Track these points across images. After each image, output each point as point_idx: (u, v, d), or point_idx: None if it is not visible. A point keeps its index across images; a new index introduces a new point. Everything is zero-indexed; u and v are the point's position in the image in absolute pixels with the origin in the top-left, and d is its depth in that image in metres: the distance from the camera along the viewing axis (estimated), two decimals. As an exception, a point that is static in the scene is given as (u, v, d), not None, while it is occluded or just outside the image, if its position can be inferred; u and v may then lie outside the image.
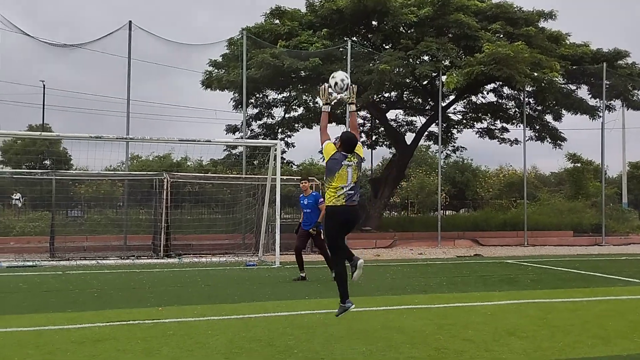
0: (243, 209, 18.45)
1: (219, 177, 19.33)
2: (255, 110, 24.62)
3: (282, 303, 8.39)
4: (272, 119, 25.45)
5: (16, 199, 23.35)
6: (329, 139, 6.24)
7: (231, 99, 23.13)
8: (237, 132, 23.91)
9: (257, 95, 23.97)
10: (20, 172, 21.84)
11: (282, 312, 7.78)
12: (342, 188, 5.97)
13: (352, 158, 6.04)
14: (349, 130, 6.88)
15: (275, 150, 14.06)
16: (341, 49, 20.15)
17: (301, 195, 11.41)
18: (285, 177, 17.20)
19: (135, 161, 38.95)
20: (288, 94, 24.81)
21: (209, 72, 22.33)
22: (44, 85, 41.25)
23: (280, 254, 14.10)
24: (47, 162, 42.75)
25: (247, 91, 19.88)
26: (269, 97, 24.67)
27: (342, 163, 5.98)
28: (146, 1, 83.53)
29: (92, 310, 7.80)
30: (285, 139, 25.31)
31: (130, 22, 17.23)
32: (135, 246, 16.97)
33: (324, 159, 6.59)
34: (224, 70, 22.51)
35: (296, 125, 26.19)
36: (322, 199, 10.62)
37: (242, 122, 21.32)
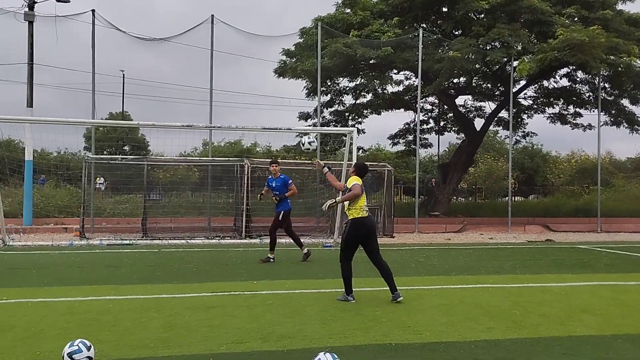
0: (316, 194, 19.24)
1: (294, 164, 20.13)
2: (327, 98, 25.26)
3: (364, 280, 9.06)
4: (343, 106, 26.03)
5: (100, 183, 25.06)
6: (350, 181, 7.59)
7: (304, 87, 23.86)
8: (309, 119, 24.66)
9: (329, 83, 24.60)
10: (114, 158, 23.25)
11: (366, 287, 8.45)
12: (365, 205, 7.52)
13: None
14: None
15: (352, 137, 14.65)
16: (412, 41, 20.46)
17: (269, 177, 11.72)
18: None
19: (206, 147, 40.65)
20: (358, 81, 25.34)
21: (283, 61, 23.10)
22: (123, 75, 43.35)
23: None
24: (126, 148, 45.11)
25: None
26: (340, 85, 25.25)
27: (362, 187, 7.53)
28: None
29: (196, 283, 8.73)
30: (356, 125, 25.87)
31: (212, 16, 18.23)
32: (218, 227, 18.03)
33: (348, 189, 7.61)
34: (295, 59, 23.26)
35: (365, 111, 26.68)
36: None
37: (316, 110, 22.05)
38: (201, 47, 19.48)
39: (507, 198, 25.08)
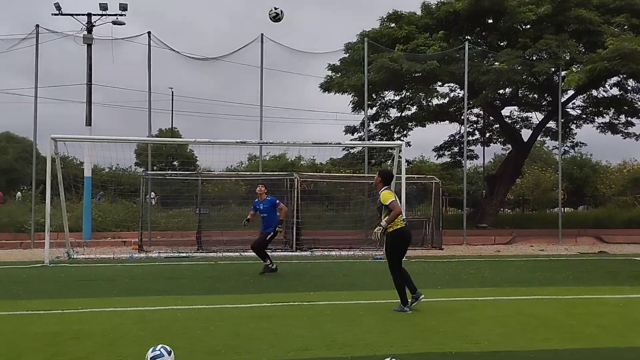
0: (365, 207, 19.48)
1: (343, 177, 20.43)
2: (373, 111, 25.54)
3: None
4: (388, 119, 26.27)
5: (151, 198, 25.88)
6: (385, 198, 7.65)
7: (350, 102, 24.21)
8: (355, 133, 24.99)
9: (374, 97, 24.89)
10: (169, 173, 23.91)
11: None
12: (401, 214, 7.79)
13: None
14: None
15: (400, 151, 14.87)
16: (457, 54, 20.58)
17: (256, 200, 11.70)
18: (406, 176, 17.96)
19: (252, 161, 41.39)
20: (403, 94, 25.55)
21: (330, 76, 23.52)
22: (172, 93, 44.60)
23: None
24: (175, 163, 46.29)
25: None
26: (385, 98, 25.51)
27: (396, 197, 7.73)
28: (257, 7, 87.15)
29: (254, 294, 9.08)
30: (401, 138, 26.04)
31: (262, 35, 18.81)
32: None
33: (385, 206, 7.69)
34: (339, 74, 23.66)
35: (409, 124, 26.84)
36: (278, 201, 11.53)
37: (364, 124, 22.39)
38: (250, 65, 20.10)
39: (556, 209, 24.75)
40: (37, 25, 18.97)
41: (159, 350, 4.93)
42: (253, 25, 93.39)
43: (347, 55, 23.38)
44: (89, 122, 20.51)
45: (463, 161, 25.20)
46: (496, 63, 20.80)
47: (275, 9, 10.50)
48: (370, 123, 26.06)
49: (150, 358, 4.87)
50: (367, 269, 12.61)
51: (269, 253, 11.92)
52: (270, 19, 10.56)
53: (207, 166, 29.52)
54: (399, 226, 7.66)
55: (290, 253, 16.10)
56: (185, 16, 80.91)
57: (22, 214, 21.16)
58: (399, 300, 7.67)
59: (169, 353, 4.94)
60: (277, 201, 11.53)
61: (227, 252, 15.81)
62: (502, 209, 29.60)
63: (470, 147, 27.69)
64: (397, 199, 7.81)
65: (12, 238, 19.71)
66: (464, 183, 21.99)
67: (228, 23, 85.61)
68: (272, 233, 11.48)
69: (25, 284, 10.20)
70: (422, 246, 18.45)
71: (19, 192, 40.39)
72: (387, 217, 7.57)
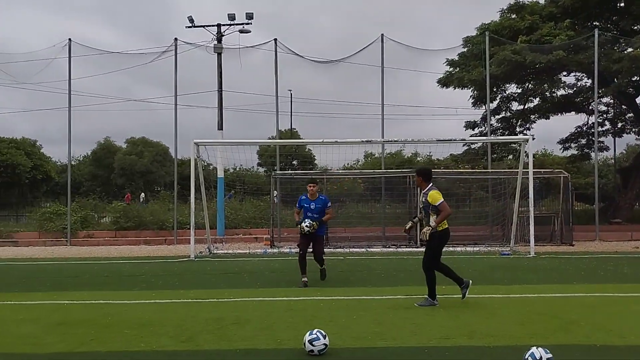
0: (487, 203, 19.27)
1: (465, 173, 20.31)
2: (494, 105, 25.05)
3: (553, 287, 9.18)
4: (510, 113, 25.62)
5: (274, 196, 27.05)
6: (434, 198, 7.58)
7: (470, 96, 23.92)
8: (475, 128, 24.65)
9: (495, 90, 24.40)
10: (296, 173, 24.83)
11: (554, 293, 8.61)
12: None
13: None
14: None
15: (527, 146, 14.62)
16: (585, 42, 19.71)
17: (303, 197, 9.90)
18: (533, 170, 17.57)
19: (369, 159, 41.88)
20: (525, 87, 24.82)
21: (449, 72, 23.39)
22: (291, 94, 46.17)
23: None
24: (295, 162, 47.87)
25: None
26: (506, 92, 24.92)
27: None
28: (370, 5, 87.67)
29: (388, 287, 9.49)
30: (524, 131, 25.32)
31: (382, 35, 19.19)
32: (391, 236, 18.77)
33: (433, 206, 7.62)
34: (458, 69, 23.43)
35: (532, 116, 25.99)
36: (330, 204, 9.96)
37: (484, 118, 22.07)
38: (367, 64, 20.53)
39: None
40: (176, 39, 20.64)
41: (316, 334, 5.46)
42: (365, 24, 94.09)
43: (466, 49, 23.14)
44: (220, 127, 21.90)
45: (592, 153, 24.01)
46: (629, 49, 19.67)
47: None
48: (492, 117, 25.59)
49: (308, 340, 5.42)
50: (495, 264, 12.59)
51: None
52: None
53: (324, 165, 30.44)
54: (446, 226, 7.72)
55: (415, 249, 16.33)
56: (301, 17, 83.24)
57: (163, 213, 23.04)
58: (534, 296, 7.73)
59: (324, 337, 5.46)
60: (329, 203, 10.01)
61: (354, 248, 16.34)
62: (637, 204, 27.84)
63: (600, 139, 26.31)
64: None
65: (155, 235, 21.57)
66: (596, 176, 20.99)
67: (343, 22, 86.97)
68: (323, 236, 10.28)
69: (179, 275, 11.31)
70: (551, 242, 17.96)
71: (142, 194, 43.84)
72: (437, 218, 7.53)
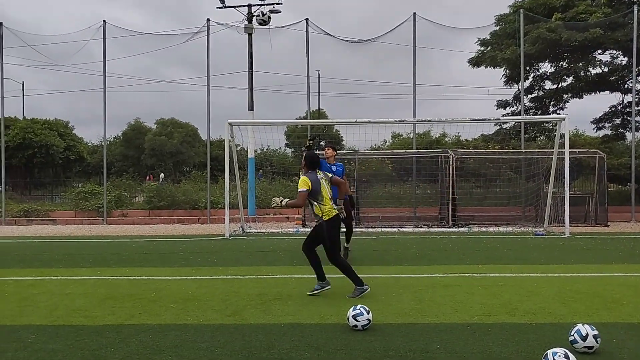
0: (518, 183, 19.10)
1: (498, 153, 20.13)
2: (526, 84, 24.68)
3: (591, 266, 9.13)
4: (543, 92, 25.22)
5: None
6: (299, 185, 7.02)
7: (503, 75, 23.61)
8: (507, 107, 24.35)
9: (528, 69, 24.02)
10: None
11: (593, 273, 8.56)
12: (331, 203, 7.07)
13: (319, 172, 7.14)
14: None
15: (562, 125, 14.42)
16: (623, 19, 19.23)
17: (322, 160, 9.39)
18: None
19: (396, 139, 41.68)
20: (559, 65, 24.38)
21: (481, 51, 23.09)
22: (318, 75, 46.08)
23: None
24: (322, 143, 47.88)
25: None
26: (540, 70, 24.52)
27: (318, 178, 7.02)
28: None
29: (424, 265, 9.53)
30: (557, 111, 24.93)
31: (414, 13, 18.99)
32: (422, 217, 18.79)
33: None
34: (490, 48, 23.09)
35: (565, 95, 25.54)
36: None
37: (517, 97, 21.77)
38: (396, 44, 20.35)
39: None
40: (208, 19, 20.72)
41: (359, 309, 5.55)
42: (392, 2, 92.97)
43: (498, 28, 22.79)
44: (251, 107, 22.01)
45: (628, 133, 23.54)
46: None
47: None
48: (525, 97, 25.24)
49: (352, 316, 5.52)
50: (530, 244, 12.53)
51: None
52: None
53: (351, 145, 30.40)
54: (332, 215, 7.03)
55: (447, 229, 16.33)
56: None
57: (195, 192, 23.35)
58: (573, 275, 7.70)
59: (368, 312, 5.55)
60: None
61: (385, 228, 16.39)
62: None
63: (636, 118, 25.77)
64: (322, 183, 7.03)
65: (188, 215, 21.90)
66: (632, 157, 20.59)
67: (370, 1, 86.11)
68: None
69: (216, 253, 11.52)
70: (585, 223, 17.77)
71: (162, 174, 44.38)
72: (290, 201, 7.24)
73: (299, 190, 6.99)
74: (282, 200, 7.34)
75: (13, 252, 12.21)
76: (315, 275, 7.32)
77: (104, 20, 21.28)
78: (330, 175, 7.39)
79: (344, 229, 9.56)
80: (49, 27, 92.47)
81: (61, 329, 5.60)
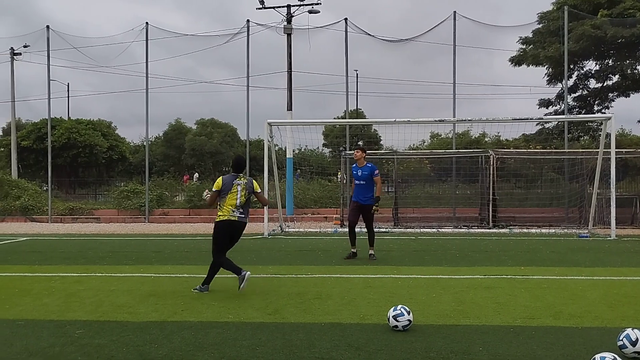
0: (561, 184, 18.68)
1: (541, 153, 19.73)
2: (570, 83, 24.13)
3: (637, 270, 8.86)
4: (587, 91, 24.62)
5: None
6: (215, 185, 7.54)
7: (545, 74, 23.15)
8: (550, 106, 23.86)
9: (571, 68, 23.49)
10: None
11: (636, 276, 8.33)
12: (233, 207, 7.34)
13: (241, 178, 7.47)
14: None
15: (609, 124, 14.04)
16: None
17: (354, 165, 10.32)
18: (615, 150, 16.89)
19: (434, 139, 41.25)
20: (604, 63, 23.75)
21: (522, 49, 22.68)
22: (357, 74, 45.96)
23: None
24: (360, 143, 47.73)
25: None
26: (584, 69, 23.95)
27: (233, 182, 7.36)
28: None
29: (464, 266, 9.41)
30: (602, 110, 24.31)
31: (454, 12, 18.78)
32: (462, 217, 18.56)
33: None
34: (532, 46, 22.66)
35: (610, 94, 24.88)
36: (377, 171, 10.04)
37: (560, 96, 21.30)
38: (440, 43, 20.17)
39: None
40: (248, 20, 20.91)
41: (400, 309, 5.51)
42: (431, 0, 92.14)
43: (541, 25, 22.35)
44: (289, 107, 22.11)
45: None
46: None
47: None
48: (568, 95, 24.68)
49: (392, 316, 5.48)
50: (574, 247, 12.25)
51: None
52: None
53: (389, 145, 30.21)
54: (223, 218, 7.37)
55: (487, 230, 16.09)
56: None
57: (233, 192, 23.52)
58: (619, 279, 7.53)
59: (408, 313, 5.50)
60: (377, 171, 10.08)
61: (424, 229, 16.25)
62: None
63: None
64: (228, 188, 7.34)
65: (227, 213, 22.09)
66: (682, 157, 19.91)
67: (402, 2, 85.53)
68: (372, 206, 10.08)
69: (256, 252, 11.61)
70: (633, 225, 17.27)
71: (196, 174, 44.88)
72: (207, 198, 7.61)
73: (213, 190, 7.50)
74: (206, 194, 7.70)
75: (59, 249, 12.55)
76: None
77: (147, 23, 21.70)
78: (252, 185, 7.55)
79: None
80: (93, 30, 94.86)
81: (106, 325, 5.72)
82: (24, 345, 5.03)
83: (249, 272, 7.26)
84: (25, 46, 29.17)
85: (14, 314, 6.24)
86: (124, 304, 6.67)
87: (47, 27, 22.55)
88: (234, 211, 7.35)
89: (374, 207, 10.07)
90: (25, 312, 6.31)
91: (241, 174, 7.56)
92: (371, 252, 10.33)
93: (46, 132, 26.49)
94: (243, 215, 7.44)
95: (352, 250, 10.36)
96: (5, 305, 6.69)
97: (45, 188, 27.83)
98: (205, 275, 7.51)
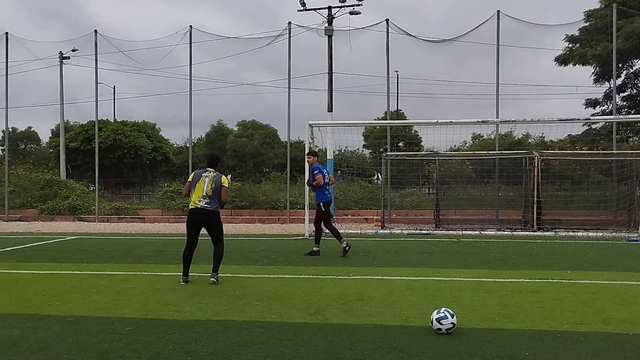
0: (609, 186, 18.18)
1: (588, 154, 19.25)
2: (619, 82, 23.47)
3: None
4: (636, 90, 23.90)
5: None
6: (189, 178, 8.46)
7: (592, 73, 22.57)
8: (597, 106, 23.25)
9: (620, 67, 22.84)
10: (407, 154, 24.59)
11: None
12: (199, 198, 8.03)
13: (211, 172, 8.19)
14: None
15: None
16: None
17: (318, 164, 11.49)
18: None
19: (476, 140, 40.64)
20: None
21: (569, 48, 22.18)
22: (397, 75, 45.69)
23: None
24: (401, 144, 47.46)
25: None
26: (634, 67, 23.26)
27: (202, 175, 8.15)
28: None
29: (508, 270, 9.25)
30: (653, 110, 23.57)
31: (498, 11, 18.47)
32: (505, 220, 18.24)
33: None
34: (578, 45, 22.12)
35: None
36: (316, 171, 11.06)
37: (608, 96, 20.74)
38: (483, 43, 19.87)
39: None
40: (290, 22, 21.03)
41: (443, 312, 5.46)
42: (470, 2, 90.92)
43: (588, 24, 21.80)
44: (330, 108, 22.13)
45: None
46: None
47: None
48: (616, 95, 24.01)
49: (436, 319, 5.43)
50: (623, 251, 11.91)
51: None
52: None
53: (429, 147, 29.92)
54: (190, 207, 8.16)
55: (532, 233, 15.77)
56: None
57: (274, 193, 23.77)
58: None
59: (452, 316, 5.44)
60: (315, 171, 11.21)
61: (466, 231, 16.04)
62: None
63: None
64: (207, 183, 8.06)
65: (268, 214, 22.32)
66: None
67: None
68: (321, 204, 11.20)
69: (297, 253, 11.68)
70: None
71: (229, 175, 45.16)
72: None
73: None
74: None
75: (106, 248, 12.88)
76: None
77: (191, 26, 22.08)
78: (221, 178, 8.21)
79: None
80: (138, 34, 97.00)
81: (153, 322, 5.84)
82: (74, 341, 5.18)
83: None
84: (73, 50, 30.14)
85: (64, 310, 6.44)
86: (170, 302, 6.79)
87: (95, 31, 23.17)
88: (200, 200, 8.06)
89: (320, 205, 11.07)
90: (75, 309, 6.50)
91: (211, 169, 8.28)
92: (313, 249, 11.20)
93: (93, 133, 27.26)
94: (209, 205, 8.07)
95: (314, 248, 11.22)
96: (56, 302, 6.91)
97: (92, 188, 28.63)
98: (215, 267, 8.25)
